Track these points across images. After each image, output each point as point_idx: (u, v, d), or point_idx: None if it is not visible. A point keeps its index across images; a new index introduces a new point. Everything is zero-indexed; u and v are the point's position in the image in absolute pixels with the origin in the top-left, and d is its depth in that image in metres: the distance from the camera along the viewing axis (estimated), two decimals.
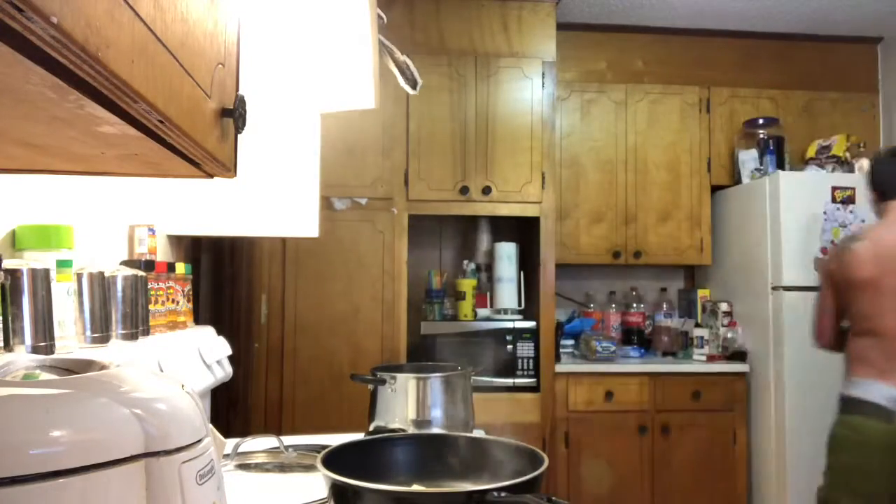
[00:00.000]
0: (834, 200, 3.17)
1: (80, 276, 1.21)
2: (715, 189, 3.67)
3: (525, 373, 3.11)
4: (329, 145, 2.41)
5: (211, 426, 0.67)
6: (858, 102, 3.82)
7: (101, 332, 1.24)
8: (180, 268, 1.74)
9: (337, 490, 0.89)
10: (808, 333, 2.46)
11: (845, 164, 3.45)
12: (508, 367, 3.10)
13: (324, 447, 1.04)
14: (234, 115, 0.85)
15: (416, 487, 1.03)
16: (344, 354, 2.93)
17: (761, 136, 3.58)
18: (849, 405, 2.16)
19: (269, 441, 1.52)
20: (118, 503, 0.51)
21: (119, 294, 1.34)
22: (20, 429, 0.47)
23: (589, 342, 3.39)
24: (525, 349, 3.11)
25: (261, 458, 1.46)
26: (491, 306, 3.27)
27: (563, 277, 3.59)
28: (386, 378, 1.59)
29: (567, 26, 3.58)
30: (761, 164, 3.53)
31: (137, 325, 1.38)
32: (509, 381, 3.10)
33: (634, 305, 3.72)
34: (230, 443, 1.40)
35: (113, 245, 1.64)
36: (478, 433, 1.49)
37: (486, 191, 3.12)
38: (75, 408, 0.51)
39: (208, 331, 1.84)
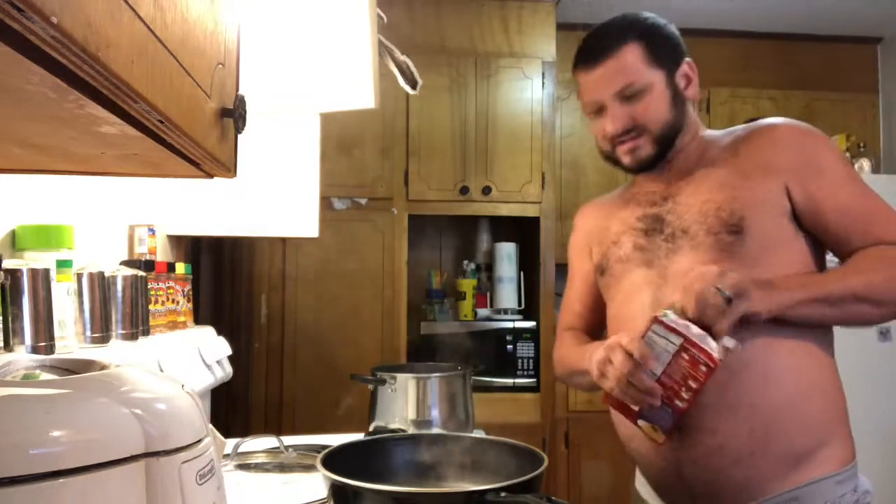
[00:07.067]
0: None
1: (80, 276, 1.21)
2: None
3: (525, 373, 3.10)
4: (329, 145, 2.41)
5: (211, 426, 0.68)
6: (858, 103, 3.82)
7: (101, 332, 1.24)
8: (180, 268, 1.74)
9: (337, 490, 0.89)
10: None
11: None
12: (508, 367, 3.10)
13: (324, 447, 1.04)
14: (234, 115, 0.85)
15: (416, 487, 1.03)
16: (344, 354, 2.93)
17: None
18: None
19: (269, 441, 1.52)
20: (118, 503, 0.51)
21: (119, 294, 1.34)
22: (20, 429, 0.47)
23: None
24: (525, 349, 3.11)
25: (261, 458, 1.46)
26: (491, 306, 3.27)
27: (563, 277, 3.58)
28: (386, 378, 1.59)
29: (567, 26, 3.57)
30: None
31: (137, 325, 1.38)
32: (509, 381, 3.09)
33: None
34: (230, 443, 1.40)
35: (113, 245, 1.64)
36: (478, 433, 1.49)
37: (486, 191, 3.11)
38: (75, 408, 0.51)
39: (208, 331, 1.84)
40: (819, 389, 1.14)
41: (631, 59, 1.20)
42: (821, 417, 1.13)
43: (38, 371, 0.63)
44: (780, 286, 1.08)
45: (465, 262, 3.45)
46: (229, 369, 1.84)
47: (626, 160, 1.24)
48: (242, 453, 1.45)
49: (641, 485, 1.32)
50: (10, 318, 0.98)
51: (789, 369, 1.12)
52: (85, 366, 0.64)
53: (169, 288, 1.65)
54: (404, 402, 1.57)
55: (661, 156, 1.23)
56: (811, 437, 1.11)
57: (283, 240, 2.89)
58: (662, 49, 1.22)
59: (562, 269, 3.44)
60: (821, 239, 1.17)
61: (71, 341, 1.17)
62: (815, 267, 1.18)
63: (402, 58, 1.57)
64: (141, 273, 1.42)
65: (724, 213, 1.14)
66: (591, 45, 1.24)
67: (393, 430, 1.48)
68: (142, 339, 1.40)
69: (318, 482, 1.10)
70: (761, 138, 1.20)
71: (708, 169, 1.21)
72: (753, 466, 1.10)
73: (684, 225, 1.18)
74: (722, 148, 1.23)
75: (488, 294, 3.30)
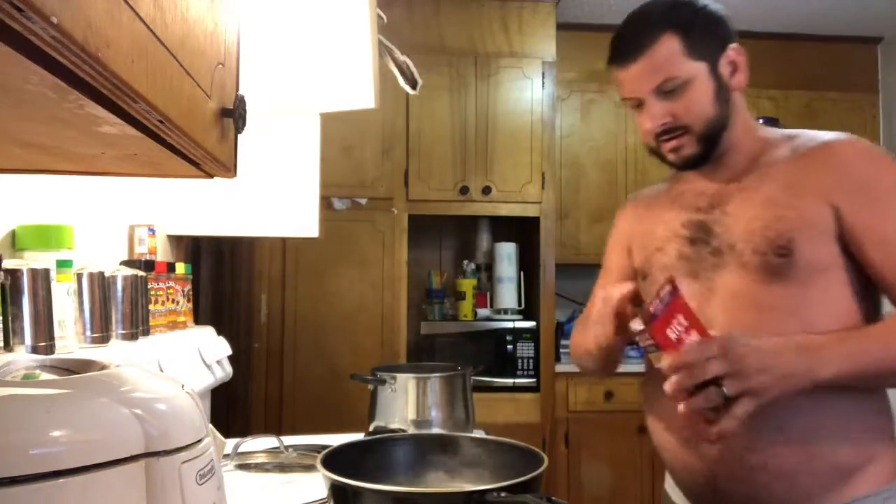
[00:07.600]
0: None
1: (80, 276, 1.21)
2: None
3: (525, 373, 3.10)
4: (329, 145, 2.41)
5: (211, 426, 0.68)
6: (858, 102, 3.82)
7: (101, 332, 1.23)
8: (180, 268, 1.74)
9: (337, 490, 0.89)
10: None
11: None
12: (508, 367, 3.10)
13: (324, 447, 1.04)
14: (234, 115, 0.85)
15: (415, 487, 1.02)
16: (344, 354, 2.93)
17: None
18: None
19: (269, 441, 1.52)
20: (118, 503, 0.51)
21: (119, 294, 1.34)
22: (20, 429, 0.47)
23: None
24: (525, 349, 3.11)
25: (261, 458, 1.46)
26: (491, 306, 3.27)
27: (563, 277, 3.58)
28: (386, 378, 1.59)
29: (567, 26, 3.57)
30: None
31: (137, 325, 1.38)
32: (509, 381, 3.09)
33: None
34: (230, 443, 1.40)
35: (113, 245, 1.64)
36: (478, 433, 1.49)
37: (486, 191, 3.11)
38: (75, 408, 0.51)
39: (208, 331, 1.84)
40: (865, 405, 1.08)
41: (668, 53, 1.10)
42: (867, 433, 1.07)
43: (38, 371, 0.63)
44: (804, 371, 0.98)
45: (465, 262, 3.45)
46: (229, 369, 1.84)
47: (670, 158, 1.16)
48: (242, 453, 1.45)
49: (671, 487, 1.27)
50: (10, 318, 0.97)
51: (836, 385, 1.03)
52: (85, 366, 0.64)
53: (169, 288, 1.65)
54: (404, 402, 1.57)
55: (706, 153, 1.15)
56: (857, 453, 1.06)
57: (283, 240, 2.89)
58: (703, 37, 1.13)
59: (562, 269, 3.45)
60: (865, 272, 1.07)
61: (71, 341, 1.17)
62: (869, 290, 1.09)
63: (402, 58, 1.57)
64: (141, 273, 1.42)
65: (771, 233, 1.06)
66: (624, 39, 1.15)
67: (393, 430, 1.48)
68: (142, 339, 1.40)
69: (318, 482, 1.10)
70: (821, 154, 1.10)
71: (760, 177, 1.12)
72: (798, 483, 1.05)
73: (731, 240, 1.11)
74: (778, 157, 1.13)
75: (488, 294, 3.30)
